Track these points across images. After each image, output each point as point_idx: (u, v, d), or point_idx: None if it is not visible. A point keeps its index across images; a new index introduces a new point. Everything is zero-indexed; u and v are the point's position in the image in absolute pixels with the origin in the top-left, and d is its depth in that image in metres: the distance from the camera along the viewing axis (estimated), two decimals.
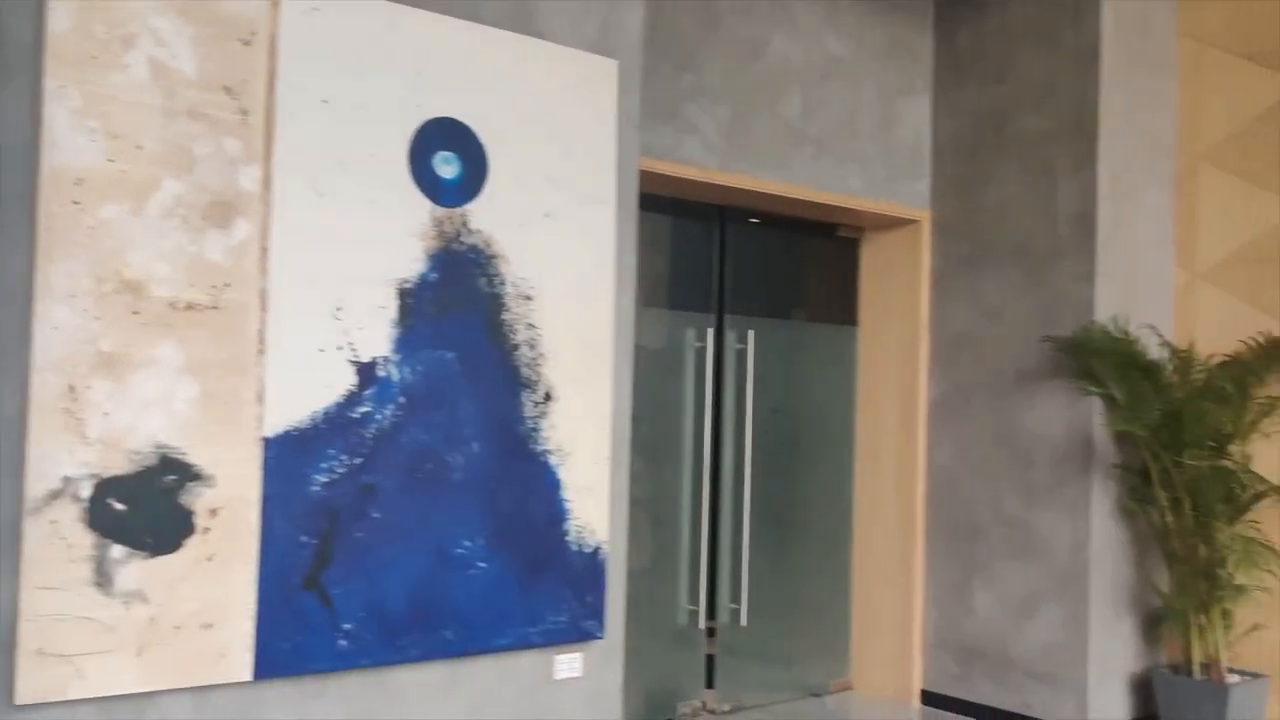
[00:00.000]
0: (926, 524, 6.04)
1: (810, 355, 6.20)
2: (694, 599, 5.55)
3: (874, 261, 6.32)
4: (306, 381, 3.33)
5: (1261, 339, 5.25)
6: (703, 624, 5.55)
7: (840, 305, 6.33)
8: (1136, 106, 5.61)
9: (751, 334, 5.70)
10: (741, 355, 5.72)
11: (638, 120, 4.04)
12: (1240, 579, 5.15)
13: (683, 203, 5.59)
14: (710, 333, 5.64)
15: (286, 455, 3.28)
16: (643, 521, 5.46)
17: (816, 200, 5.63)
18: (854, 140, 5.79)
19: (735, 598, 5.67)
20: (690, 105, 5.15)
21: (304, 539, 3.33)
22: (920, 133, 6.10)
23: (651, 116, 4.95)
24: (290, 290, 3.29)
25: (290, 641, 3.30)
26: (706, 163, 5.18)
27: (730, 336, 5.73)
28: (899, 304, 6.18)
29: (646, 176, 4.97)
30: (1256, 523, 5.24)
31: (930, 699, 5.97)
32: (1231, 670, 5.33)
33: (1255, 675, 5.31)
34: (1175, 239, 5.78)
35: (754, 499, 5.72)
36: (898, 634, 6.09)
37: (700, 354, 5.63)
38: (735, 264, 5.81)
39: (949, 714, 5.83)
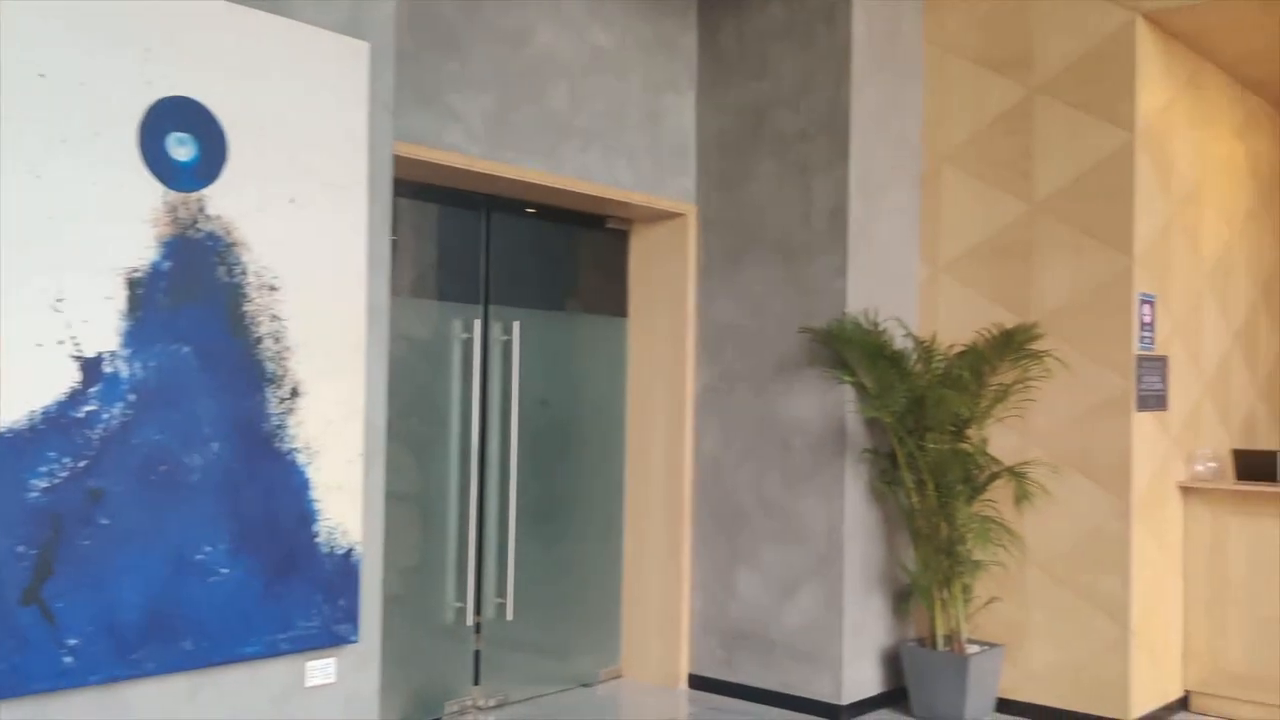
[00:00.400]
0: (694, 511, 6.16)
1: (580, 346, 6.21)
2: (461, 595, 5.47)
3: (643, 253, 6.39)
4: (22, 379, 3.06)
5: (995, 330, 5.60)
6: (470, 620, 5.48)
7: (610, 296, 6.37)
8: (886, 108, 5.88)
9: (517, 325, 5.65)
10: (507, 347, 5.66)
11: (392, 104, 3.91)
12: (978, 555, 5.49)
13: (450, 191, 5.48)
14: (477, 324, 5.56)
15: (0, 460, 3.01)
16: (408, 518, 5.34)
17: (584, 192, 5.64)
18: (622, 133, 5.82)
19: (501, 592, 5.62)
20: (453, 93, 5.05)
21: (21, 550, 3.06)
22: (686, 127, 6.20)
23: (412, 102, 4.83)
24: (2, 280, 3.02)
25: (7, 662, 3.04)
26: (470, 151, 5.10)
27: (496, 328, 5.67)
28: (667, 296, 6.27)
29: (409, 164, 4.85)
30: (993, 501, 5.60)
31: (697, 683, 6.10)
32: (971, 641, 5.68)
33: (992, 645, 5.67)
34: (920, 235, 6.09)
35: (522, 491, 5.69)
36: (666, 620, 6.19)
37: (467, 345, 5.54)
38: (502, 254, 5.75)
39: (715, 696, 5.97)
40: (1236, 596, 5.70)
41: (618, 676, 6.31)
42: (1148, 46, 5.50)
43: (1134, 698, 5.38)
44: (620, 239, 6.40)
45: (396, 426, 5.26)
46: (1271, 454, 5.84)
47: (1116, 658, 5.39)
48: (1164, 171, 5.70)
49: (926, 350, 5.71)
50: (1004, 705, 5.69)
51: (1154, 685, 5.57)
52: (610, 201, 5.85)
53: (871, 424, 5.70)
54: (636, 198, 5.89)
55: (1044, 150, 5.69)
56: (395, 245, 5.33)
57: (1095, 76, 5.53)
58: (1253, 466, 5.88)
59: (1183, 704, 5.83)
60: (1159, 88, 5.64)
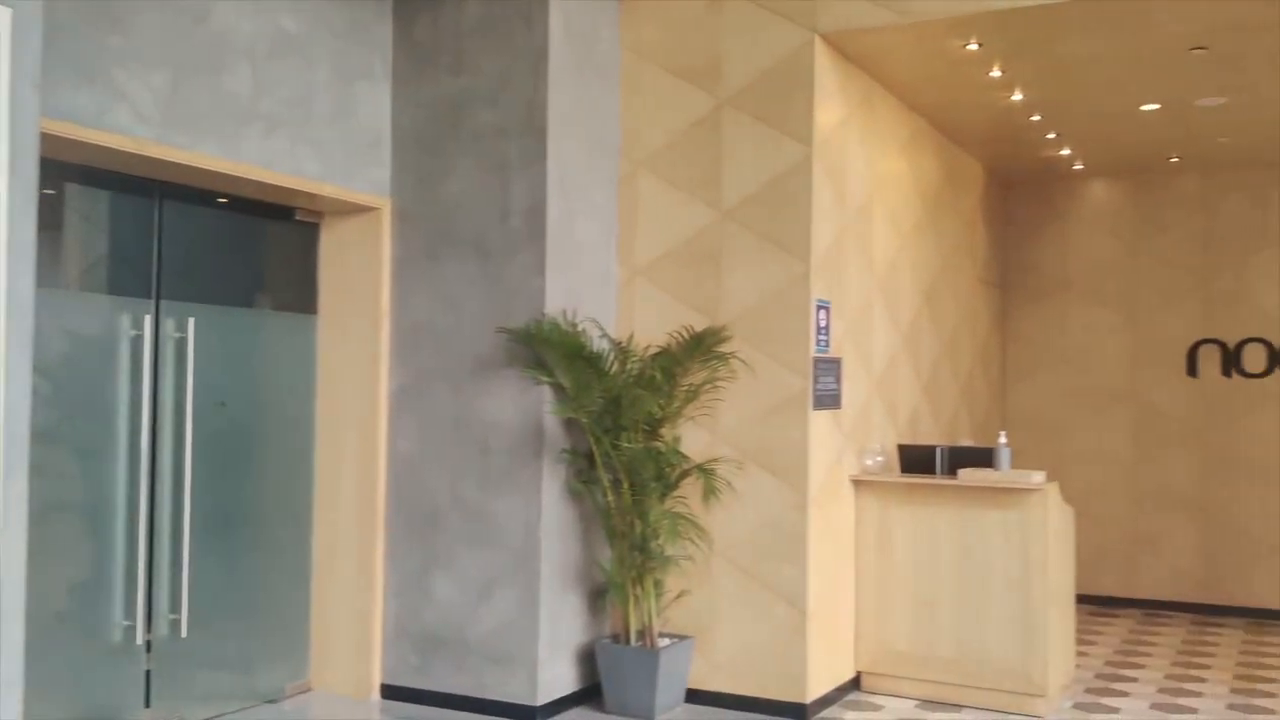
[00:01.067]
0: (388, 515, 5.98)
1: (265, 345, 5.89)
2: (130, 612, 5.05)
3: (334, 248, 6.14)
4: None
5: (686, 333, 5.77)
6: (140, 638, 5.07)
7: (298, 292, 6.09)
8: (584, 110, 5.93)
9: (192, 322, 5.28)
10: (181, 344, 5.28)
11: (38, 78, 3.53)
12: (669, 550, 5.64)
13: (119, 177, 5.05)
14: (148, 320, 5.15)
15: None
16: (72, 531, 4.88)
17: (267, 181, 5.34)
18: (309, 121, 5.56)
19: (175, 607, 5.23)
20: (119, 69, 4.65)
21: None
22: (380, 119, 6.01)
23: (70, 78, 4.40)
24: None
25: None
26: (138, 133, 4.71)
27: (169, 324, 5.28)
28: (360, 292, 6.06)
29: (69, 145, 4.44)
30: (684, 498, 5.76)
31: (390, 692, 5.93)
32: (663, 635, 5.82)
33: (682, 637, 5.84)
34: (619, 238, 6.19)
35: (198, 499, 5.32)
36: (358, 629, 5.97)
37: (136, 343, 5.12)
38: (177, 246, 5.35)
39: (408, 705, 5.82)
40: (901, 581, 6.14)
41: (306, 690, 6.03)
42: (825, 66, 5.83)
43: (811, 681, 5.69)
44: (310, 232, 6.12)
45: (59, 431, 4.82)
46: (932, 448, 6.34)
47: (795, 644, 5.68)
48: (839, 185, 6.06)
49: (623, 351, 5.81)
50: (694, 695, 5.87)
51: (829, 668, 5.92)
52: (297, 192, 5.58)
53: (569, 424, 5.73)
54: (326, 189, 5.65)
55: (732, 160, 5.91)
56: (61, 230, 4.88)
57: (777, 92, 5.80)
58: (916, 460, 6.36)
59: (855, 684, 6.22)
60: (835, 105, 5.99)
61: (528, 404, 5.65)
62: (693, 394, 5.76)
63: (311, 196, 5.69)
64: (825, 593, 5.87)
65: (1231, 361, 8.70)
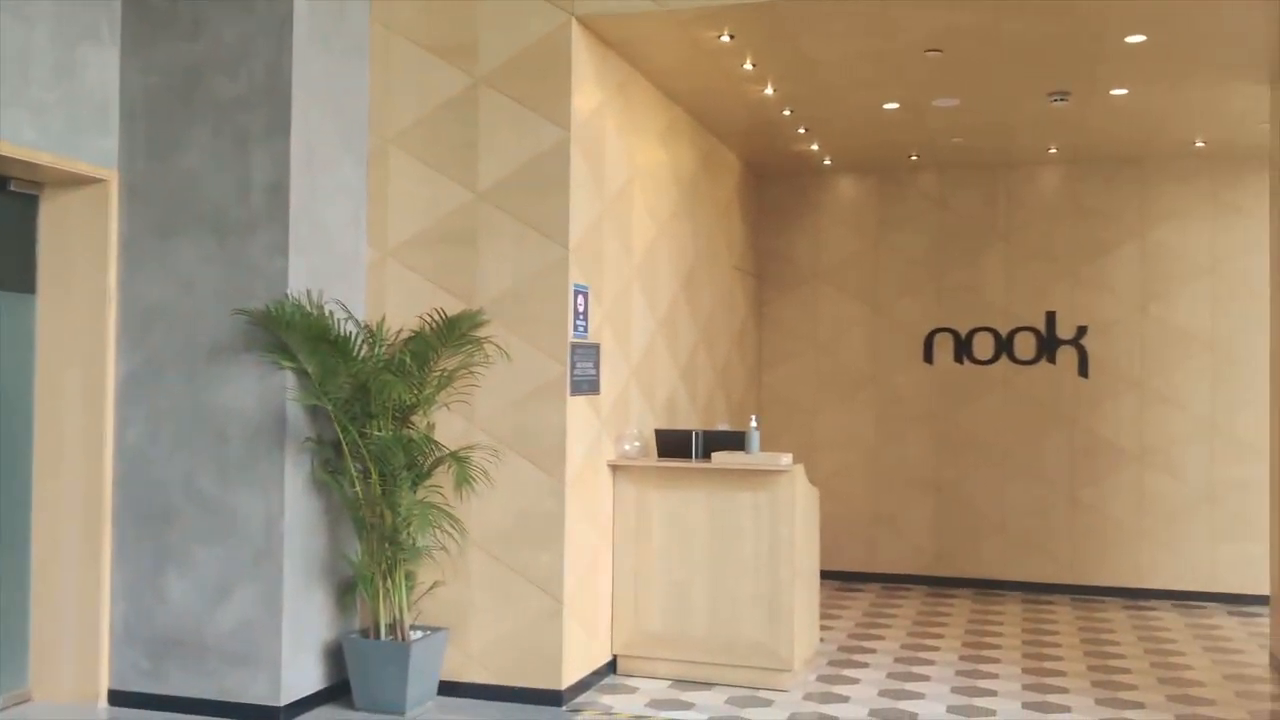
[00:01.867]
0: (116, 510, 5.57)
1: None
2: None
3: (56, 222, 5.64)
4: None
5: (439, 316, 5.63)
6: None
7: (14, 269, 5.56)
8: (332, 83, 5.67)
9: None
10: None
11: None
12: (421, 541, 5.49)
13: None
14: None
15: None
16: None
17: None
18: (25, 84, 5.08)
19: None
20: None
21: None
22: (108, 85, 5.56)
23: None
24: None
25: None
26: None
27: None
28: (84, 271, 5.60)
29: None
30: (438, 487, 5.63)
31: (120, 699, 5.52)
32: (415, 627, 5.67)
33: (435, 629, 5.71)
34: (369, 217, 5.97)
35: None
36: (83, 633, 5.54)
37: None
38: None
39: (140, 712, 5.44)
40: (658, 564, 6.22)
41: (25, 700, 5.54)
42: (582, 50, 5.80)
43: (566, 667, 5.67)
44: (28, 205, 5.60)
45: None
46: (688, 433, 6.44)
47: (551, 630, 5.65)
48: (597, 169, 6.06)
49: (372, 335, 5.61)
50: (449, 688, 5.75)
51: (585, 653, 5.92)
52: (10, 160, 5.09)
53: (315, 412, 5.49)
54: (44, 158, 5.18)
55: (488, 140, 5.80)
56: None
57: (535, 73, 5.73)
58: (672, 444, 6.45)
59: (611, 667, 6.26)
60: (593, 89, 5.97)
61: (269, 391, 5.37)
62: (446, 380, 5.62)
63: (28, 165, 5.20)
64: (582, 579, 5.87)
65: (963, 349, 9.28)
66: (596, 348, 6.00)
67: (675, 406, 7.42)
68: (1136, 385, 8.91)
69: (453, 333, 5.58)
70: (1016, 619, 7.98)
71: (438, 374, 5.60)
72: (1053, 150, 8.61)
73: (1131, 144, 8.41)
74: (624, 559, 6.26)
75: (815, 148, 8.60)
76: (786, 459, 6.14)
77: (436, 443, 5.59)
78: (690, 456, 6.37)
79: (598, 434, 6.07)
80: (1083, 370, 9.02)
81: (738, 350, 9.05)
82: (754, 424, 6.32)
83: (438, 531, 5.52)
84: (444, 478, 5.60)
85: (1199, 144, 8.30)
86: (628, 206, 6.54)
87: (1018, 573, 9.07)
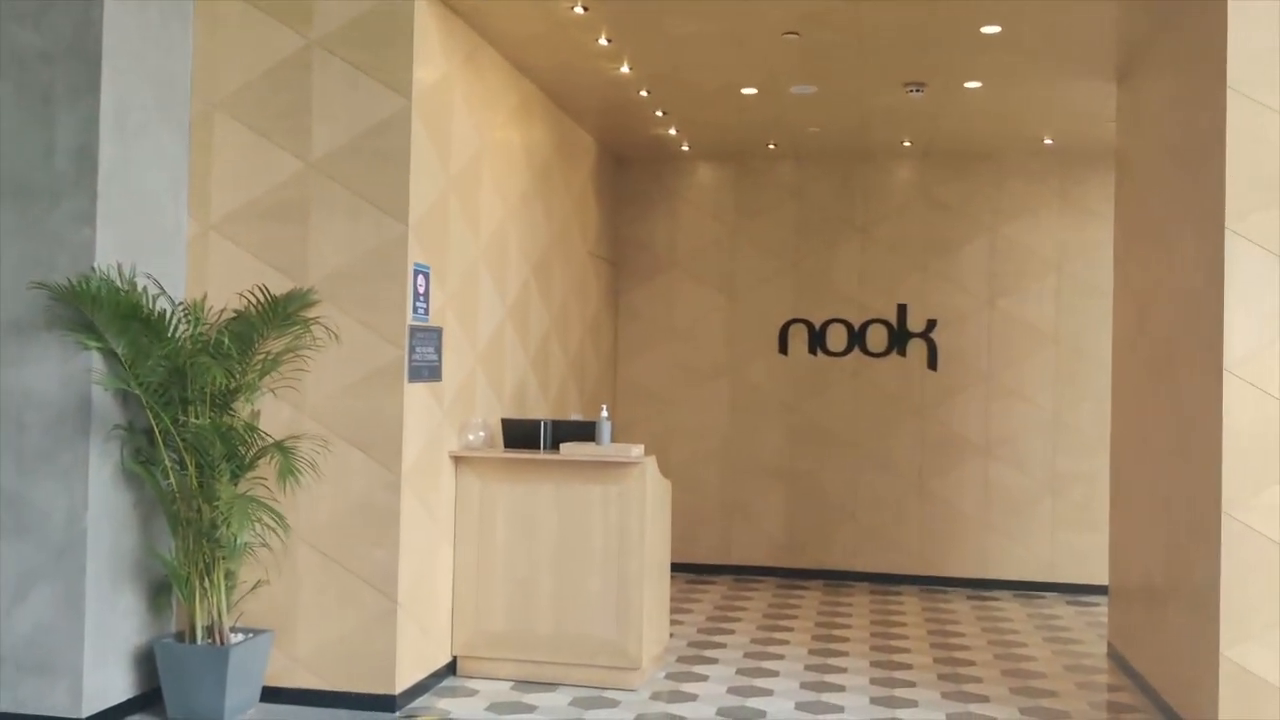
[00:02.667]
0: None
1: None
2: None
3: None
4: None
5: (263, 295, 5.22)
6: None
7: None
8: (149, 40, 5.20)
9: None
10: None
11: None
12: (242, 537, 5.09)
13: None
14: None
15: None
16: None
17: None
18: None
19: None
20: None
21: None
22: None
23: None
24: None
25: None
26: None
27: None
28: None
29: None
30: (263, 479, 5.23)
31: None
32: (237, 630, 5.27)
33: (259, 632, 5.31)
34: (190, 187, 5.51)
35: None
36: None
37: None
38: None
39: None
40: (501, 560, 5.94)
41: None
42: (427, 15, 5.46)
43: (401, 670, 5.35)
44: None
45: None
46: (536, 423, 6.17)
47: (385, 632, 5.32)
48: (442, 144, 5.73)
49: (190, 314, 5.17)
50: (273, 694, 5.37)
51: (422, 655, 5.60)
52: None
53: (125, 397, 5.03)
54: None
55: (322, 107, 5.42)
56: None
57: (375, 37, 5.36)
58: (519, 435, 6.17)
59: (451, 669, 5.95)
60: (438, 58, 5.64)
61: (72, 373, 4.89)
62: (272, 364, 5.23)
63: None
64: (419, 576, 5.55)
65: (817, 340, 9.25)
66: (438, 332, 5.68)
67: (525, 396, 7.14)
68: (984, 378, 9.02)
69: (279, 313, 5.18)
70: (865, 610, 7.98)
71: (261, 357, 5.20)
72: (907, 144, 8.63)
73: (984, 140, 8.49)
74: (465, 555, 5.96)
75: (673, 132, 8.42)
76: (638, 450, 5.93)
77: (260, 431, 5.19)
78: (538, 448, 6.11)
79: (439, 423, 5.76)
80: (932, 363, 9.09)
81: (592, 338, 8.82)
82: (605, 414, 6.10)
83: (260, 527, 5.12)
84: (269, 469, 5.21)
85: (1048, 141, 8.42)
86: (475, 184, 6.22)
87: (868, 563, 9.10)
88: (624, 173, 9.53)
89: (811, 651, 6.74)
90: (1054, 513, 8.86)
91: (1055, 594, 8.73)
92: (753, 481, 9.30)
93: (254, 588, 5.34)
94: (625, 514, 5.84)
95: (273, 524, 5.13)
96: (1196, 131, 5.17)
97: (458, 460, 5.98)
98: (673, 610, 7.40)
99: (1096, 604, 8.29)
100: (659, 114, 7.88)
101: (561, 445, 5.97)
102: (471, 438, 6.08)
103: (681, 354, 9.47)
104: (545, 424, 6.15)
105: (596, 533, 5.86)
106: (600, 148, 8.93)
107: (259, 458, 5.17)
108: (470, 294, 6.17)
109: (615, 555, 5.82)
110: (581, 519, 5.88)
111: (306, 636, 5.39)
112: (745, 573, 9.25)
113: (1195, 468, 5.09)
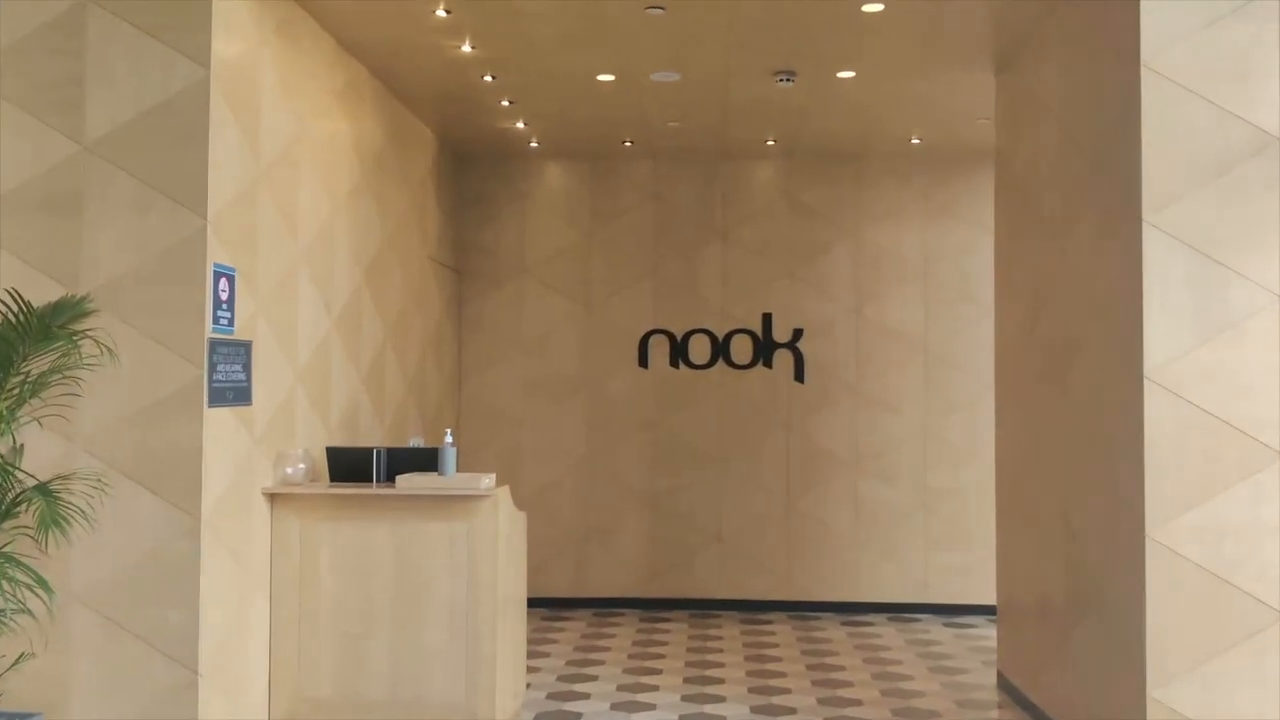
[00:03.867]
0: None
1: None
2: None
3: None
4: None
5: (20, 304, 4.23)
6: None
7: None
8: None
9: None
10: None
11: None
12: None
13: None
14: None
15: None
16: None
17: None
18: None
19: None
20: None
21: None
22: None
23: None
24: None
25: None
26: None
27: None
28: None
29: None
30: (26, 529, 4.24)
31: None
32: (1, 713, 4.28)
33: (25, 716, 4.32)
34: None
35: None
36: None
37: None
38: None
39: None
40: (325, 614, 5.09)
41: None
42: None
43: None
44: None
45: None
46: (368, 451, 5.34)
47: (183, 707, 4.41)
48: (249, 125, 4.86)
49: None
50: None
51: None
52: None
53: None
54: None
55: (100, 77, 4.49)
56: None
57: None
58: (348, 466, 5.33)
59: None
60: (244, 24, 4.78)
61: None
62: (36, 387, 4.24)
63: None
64: (226, 639, 4.65)
65: (679, 352, 8.65)
66: (247, 346, 4.80)
67: (356, 420, 6.27)
68: (851, 390, 8.57)
69: (43, 326, 4.20)
70: (737, 644, 7.37)
71: (20, 379, 4.21)
72: (771, 142, 8.11)
73: (850, 139, 8.04)
74: (284, 610, 5.08)
75: (522, 125, 7.68)
76: (488, 481, 5.16)
77: (20, 471, 4.20)
78: (371, 481, 5.27)
79: (249, 455, 4.87)
80: (799, 374, 8.59)
81: (434, 352, 7.98)
82: (449, 439, 5.31)
83: (20, 590, 4.13)
84: (33, 517, 4.23)
85: (915, 140, 8.03)
86: (292, 175, 5.36)
87: (735, 589, 8.51)
88: (467, 171, 8.73)
89: (685, 697, 6.06)
90: (926, 530, 8.46)
91: (930, 615, 8.32)
92: (611, 505, 8.61)
93: (16, 663, 4.34)
94: (475, 555, 5.07)
95: (35, 587, 4.14)
96: (1102, 118, 4.74)
97: (273, 498, 5.09)
98: (530, 654, 6.63)
99: (974, 625, 7.90)
100: (505, 103, 7.13)
101: (398, 477, 5.15)
102: (290, 471, 5.19)
103: (533, 369, 8.72)
104: (379, 452, 5.32)
105: (441, 578, 5.06)
106: (440, 143, 8.11)
107: (20, 504, 4.18)
108: (288, 301, 5.30)
109: (463, 603, 5.04)
110: (423, 562, 5.08)
111: (85, 717, 4.42)
112: (605, 605, 8.54)
113: (1105, 481, 4.64)
